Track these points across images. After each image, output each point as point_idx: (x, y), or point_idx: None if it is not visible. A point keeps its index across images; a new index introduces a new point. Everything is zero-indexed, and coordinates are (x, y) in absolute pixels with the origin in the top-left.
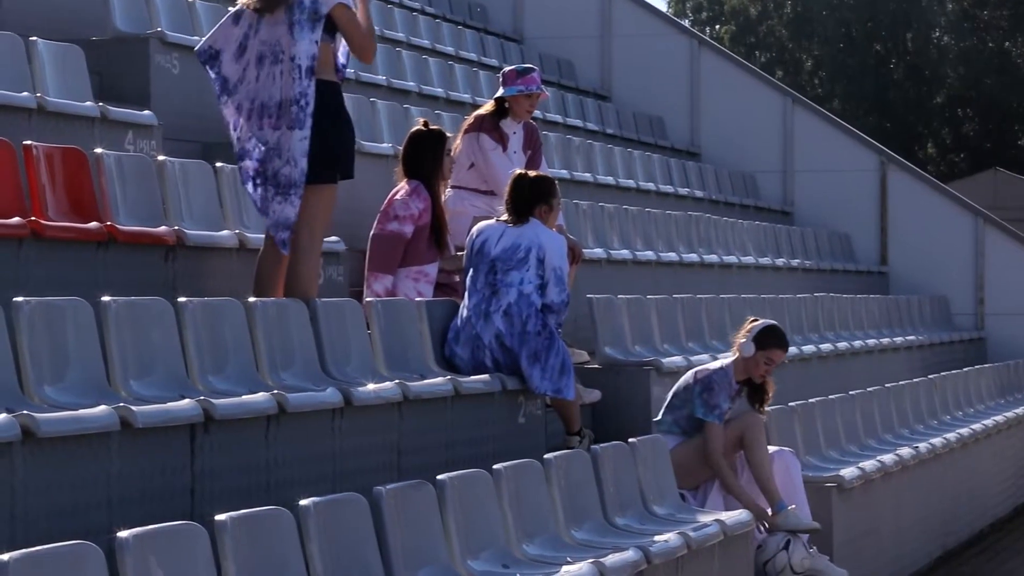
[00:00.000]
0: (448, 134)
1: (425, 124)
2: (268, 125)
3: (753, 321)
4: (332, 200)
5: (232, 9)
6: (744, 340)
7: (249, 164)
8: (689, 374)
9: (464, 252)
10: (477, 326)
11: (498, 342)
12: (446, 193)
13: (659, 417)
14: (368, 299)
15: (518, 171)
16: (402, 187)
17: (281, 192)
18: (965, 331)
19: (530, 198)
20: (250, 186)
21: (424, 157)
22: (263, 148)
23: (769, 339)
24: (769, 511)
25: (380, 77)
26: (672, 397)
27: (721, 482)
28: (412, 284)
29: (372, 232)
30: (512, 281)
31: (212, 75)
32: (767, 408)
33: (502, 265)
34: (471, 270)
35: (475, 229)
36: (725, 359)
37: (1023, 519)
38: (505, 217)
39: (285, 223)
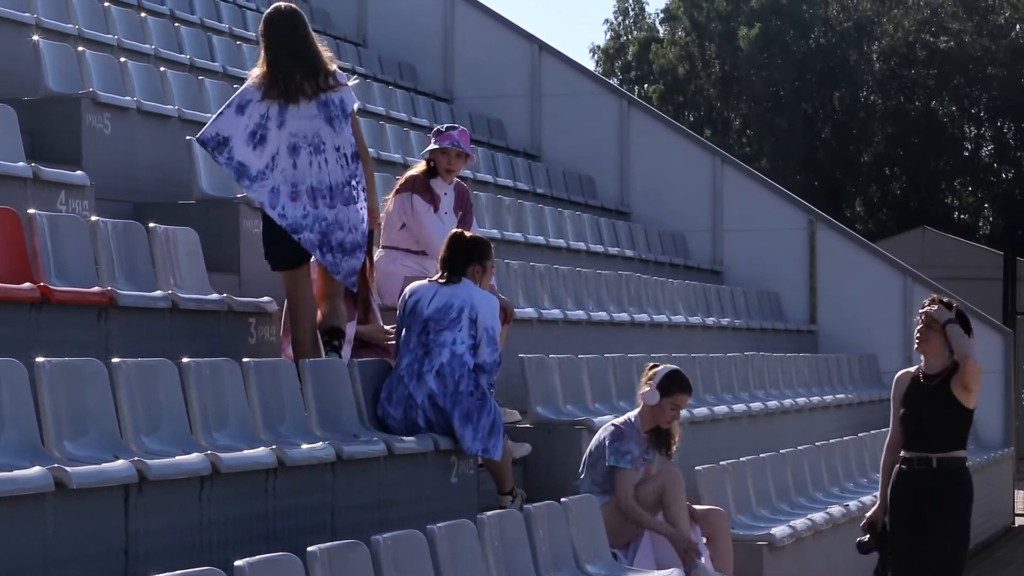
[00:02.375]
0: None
1: None
2: (324, 205)
3: (654, 368)
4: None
5: (233, 100)
6: (648, 389)
7: (312, 236)
8: (600, 431)
9: (397, 312)
10: (410, 386)
11: (430, 402)
12: (377, 254)
13: (579, 478)
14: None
15: (455, 230)
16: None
17: (348, 253)
18: None
19: (466, 257)
20: (318, 254)
21: None
22: (324, 223)
23: (672, 385)
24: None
25: None
26: (587, 456)
27: (641, 524)
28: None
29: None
30: (445, 341)
31: (222, 161)
32: (674, 452)
33: (435, 325)
34: (404, 330)
35: (408, 289)
36: (632, 412)
37: None
38: (437, 276)
39: (353, 272)
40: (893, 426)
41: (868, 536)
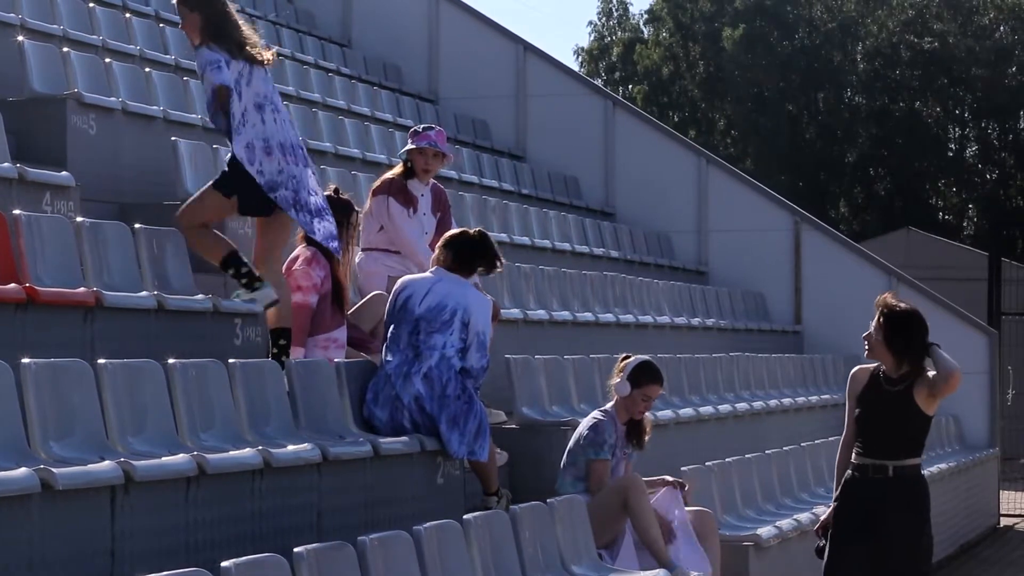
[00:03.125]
0: (356, 209)
1: (336, 191)
2: (291, 162)
3: (626, 359)
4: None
5: (220, 56)
6: (619, 380)
7: (287, 194)
8: (580, 426)
9: (387, 305)
10: (396, 385)
11: (417, 404)
12: (357, 255)
13: (559, 480)
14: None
15: (467, 230)
16: (299, 254)
17: (316, 215)
18: None
19: (484, 254)
20: (292, 212)
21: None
22: (295, 181)
23: (643, 375)
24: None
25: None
26: (566, 456)
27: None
28: (322, 353)
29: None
30: (435, 344)
31: (233, 110)
32: (645, 443)
33: (426, 326)
34: (392, 325)
35: (400, 282)
36: (608, 404)
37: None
38: (434, 269)
39: (332, 237)
40: (848, 424)
41: (823, 541)
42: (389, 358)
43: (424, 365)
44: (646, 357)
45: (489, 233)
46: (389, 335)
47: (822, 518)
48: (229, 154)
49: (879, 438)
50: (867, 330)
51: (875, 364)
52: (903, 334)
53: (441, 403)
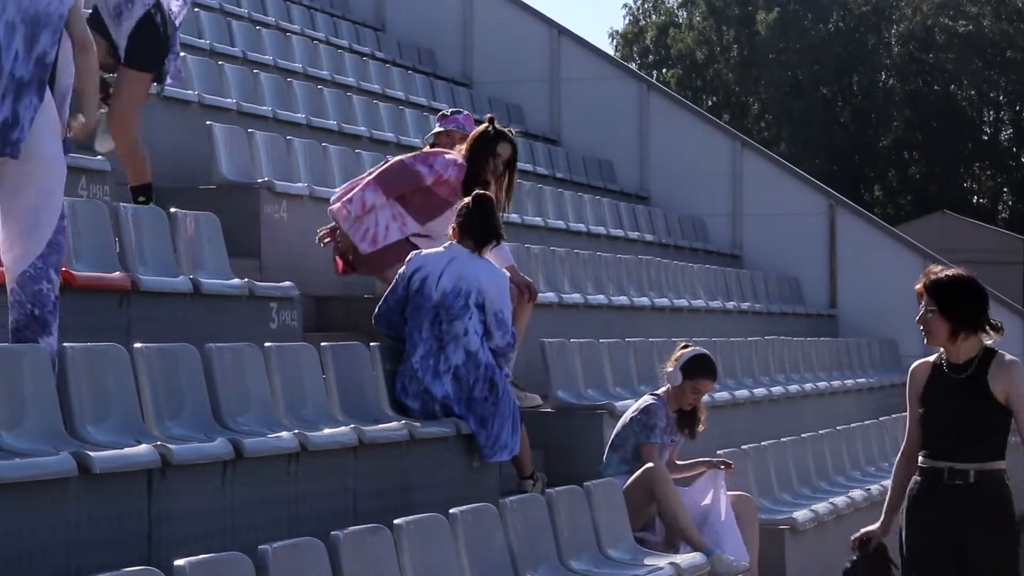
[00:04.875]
0: (503, 144)
1: (491, 120)
2: None
3: (684, 348)
4: None
5: None
6: (671, 369)
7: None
8: (627, 412)
9: (400, 276)
10: (425, 380)
11: (446, 404)
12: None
13: (604, 461)
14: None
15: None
16: (456, 154)
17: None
18: None
19: (483, 219)
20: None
21: (478, 152)
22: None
23: (696, 369)
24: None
25: (331, 122)
26: (614, 437)
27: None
28: (389, 219)
29: (403, 156)
30: (457, 333)
31: None
32: (698, 432)
33: (446, 315)
34: (411, 309)
35: (412, 262)
36: (662, 388)
37: None
38: (447, 245)
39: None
40: (909, 430)
41: (858, 557)
42: (414, 349)
43: (452, 361)
44: (703, 350)
45: (524, 217)
46: (410, 321)
47: (862, 531)
48: (131, 27)
49: (952, 437)
50: (917, 315)
51: (936, 355)
52: (959, 300)
53: (469, 405)
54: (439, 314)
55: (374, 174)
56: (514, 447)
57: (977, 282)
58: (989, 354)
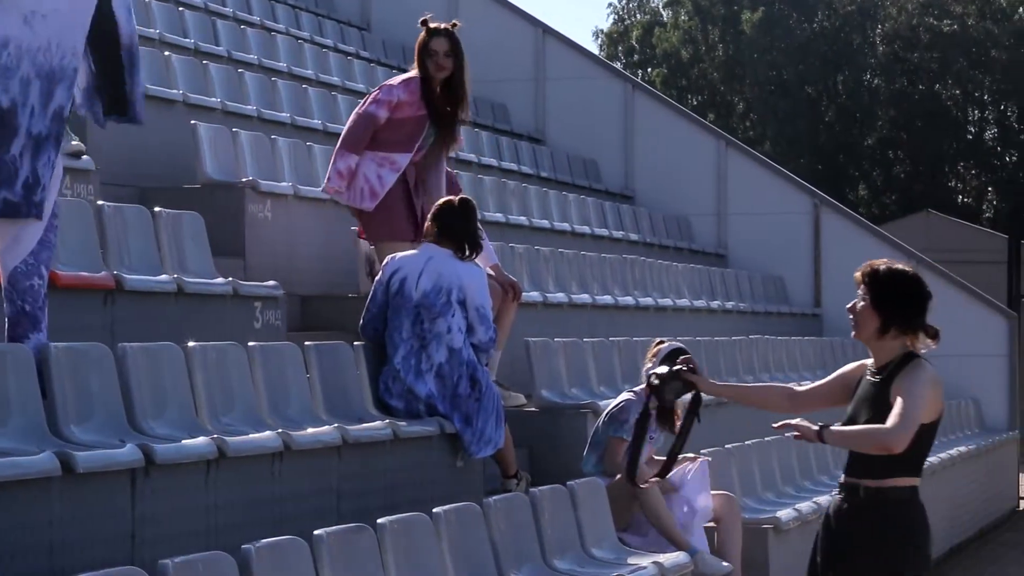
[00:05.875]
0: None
1: (423, 23)
2: None
3: (659, 344)
4: None
5: None
6: (650, 365)
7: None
8: (608, 408)
9: (377, 283)
10: (408, 380)
11: (430, 403)
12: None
13: (584, 460)
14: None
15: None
16: (403, 75)
17: None
18: None
19: (465, 224)
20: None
21: (420, 59)
22: None
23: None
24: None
25: (316, 121)
26: (592, 435)
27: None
28: (375, 168)
29: (356, 109)
30: (440, 331)
31: None
32: (677, 425)
33: (427, 313)
34: (391, 311)
35: (391, 262)
36: (640, 386)
37: (958, 559)
38: (422, 246)
39: None
40: (816, 391)
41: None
42: (396, 349)
43: (435, 360)
44: (679, 344)
45: (508, 216)
46: (391, 323)
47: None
48: None
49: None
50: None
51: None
52: (893, 294)
53: (453, 403)
54: (420, 313)
55: (339, 142)
56: (498, 441)
57: (919, 281)
58: (907, 359)
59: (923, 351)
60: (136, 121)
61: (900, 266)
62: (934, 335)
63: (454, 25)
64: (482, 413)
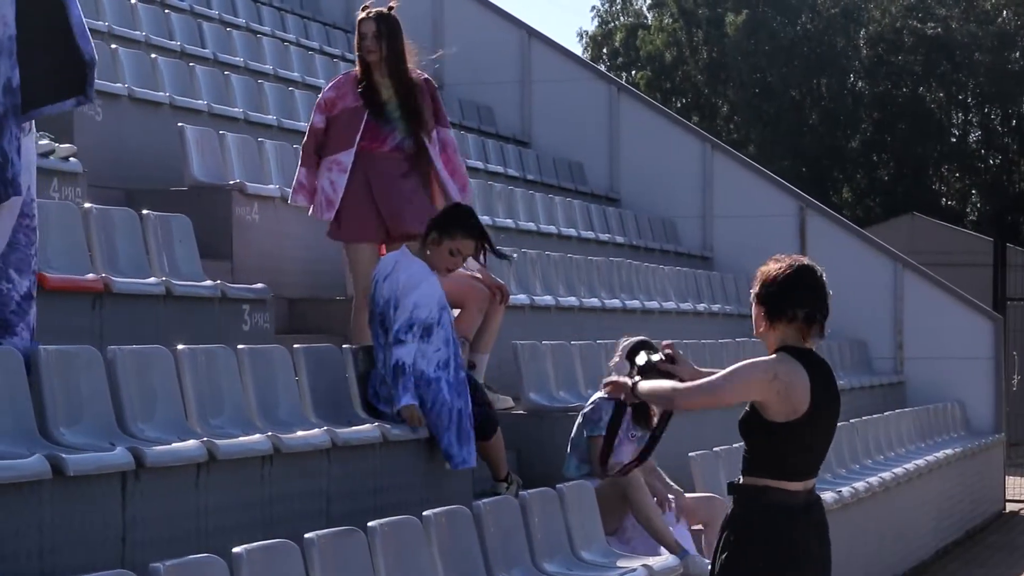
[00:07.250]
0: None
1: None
2: None
3: (626, 337)
4: None
5: None
6: (617, 360)
7: None
8: (580, 412)
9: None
10: (391, 385)
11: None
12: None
13: (566, 464)
14: None
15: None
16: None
17: None
18: (884, 375)
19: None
20: None
21: (358, 46)
22: None
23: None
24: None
25: (303, 124)
26: (572, 437)
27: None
28: (327, 175)
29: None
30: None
31: None
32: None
33: (385, 321)
34: (369, 314)
35: (377, 270)
36: None
37: (945, 562)
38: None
39: None
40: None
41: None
42: (376, 356)
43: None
44: (643, 337)
45: (494, 219)
46: (371, 325)
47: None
48: None
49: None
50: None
51: None
52: (773, 285)
53: (428, 414)
54: (384, 322)
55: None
56: (466, 458)
57: (807, 272)
58: (779, 352)
59: (814, 347)
60: (89, 99)
61: (797, 259)
62: (816, 325)
63: (390, 8)
64: (438, 428)
